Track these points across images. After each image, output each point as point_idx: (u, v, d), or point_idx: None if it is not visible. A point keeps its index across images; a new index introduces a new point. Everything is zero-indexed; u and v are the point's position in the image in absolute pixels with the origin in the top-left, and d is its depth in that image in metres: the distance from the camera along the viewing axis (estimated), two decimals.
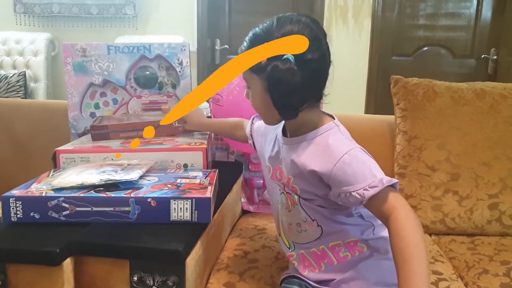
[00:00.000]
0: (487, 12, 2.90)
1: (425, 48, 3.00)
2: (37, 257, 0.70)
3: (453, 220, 1.15)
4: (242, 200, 1.31)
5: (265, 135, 0.85)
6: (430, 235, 1.18)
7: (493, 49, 2.91)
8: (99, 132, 1.12)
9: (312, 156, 0.69)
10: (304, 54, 0.65)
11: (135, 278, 0.71)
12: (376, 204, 0.65)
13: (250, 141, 0.93)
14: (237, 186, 1.25)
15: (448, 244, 1.12)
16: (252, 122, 0.93)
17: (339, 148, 0.68)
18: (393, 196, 0.64)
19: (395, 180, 0.66)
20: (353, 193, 0.64)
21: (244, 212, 1.30)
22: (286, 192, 0.76)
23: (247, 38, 0.73)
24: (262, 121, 0.84)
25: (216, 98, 1.16)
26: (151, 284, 0.71)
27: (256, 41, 0.69)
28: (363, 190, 0.64)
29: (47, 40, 2.94)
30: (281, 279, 0.83)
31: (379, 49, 2.91)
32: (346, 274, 0.73)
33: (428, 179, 1.16)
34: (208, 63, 3.16)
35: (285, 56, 0.65)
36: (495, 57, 2.90)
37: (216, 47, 3.17)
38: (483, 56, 2.93)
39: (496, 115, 1.17)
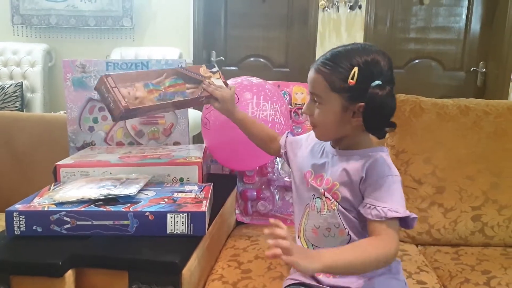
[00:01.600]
0: (476, 25, 2.98)
1: (417, 61, 3.07)
2: (40, 269, 0.73)
3: (438, 231, 1.20)
4: (236, 211, 1.35)
5: (307, 147, 0.90)
6: (417, 245, 1.22)
7: (481, 62, 2.99)
8: (131, 114, 0.96)
9: (363, 165, 0.76)
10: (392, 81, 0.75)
11: None
12: (382, 226, 0.72)
13: (282, 151, 0.98)
14: (231, 198, 1.29)
15: (434, 254, 1.16)
16: (287, 136, 0.98)
17: (389, 168, 0.76)
18: (396, 231, 0.73)
19: (414, 215, 0.74)
20: (378, 208, 0.72)
21: (238, 223, 1.34)
22: (325, 197, 0.80)
23: (326, 58, 0.78)
24: (299, 136, 0.95)
25: (204, 121, 1.20)
26: None
27: (338, 62, 0.75)
28: (388, 210, 0.72)
29: (44, 51, 2.98)
30: (285, 285, 0.85)
31: None
32: (359, 285, 0.78)
33: (415, 192, 1.21)
34: None
35: (376, 82, 0.72)
36: (484, 70, 2.98)
37: (212, 59, 3.22)
38: (472, 69, 3.01)
39: (479, 131, 1.23)
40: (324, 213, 0.81)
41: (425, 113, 1.25)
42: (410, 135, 1.24)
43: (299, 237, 0.87)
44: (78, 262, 0.76)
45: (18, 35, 3.10)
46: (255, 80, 1.26)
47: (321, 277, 0.81)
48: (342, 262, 0.66)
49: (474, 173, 1.20)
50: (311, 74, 0.79)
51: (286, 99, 1.41)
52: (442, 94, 3.05)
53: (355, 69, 0.73)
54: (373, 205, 0.73)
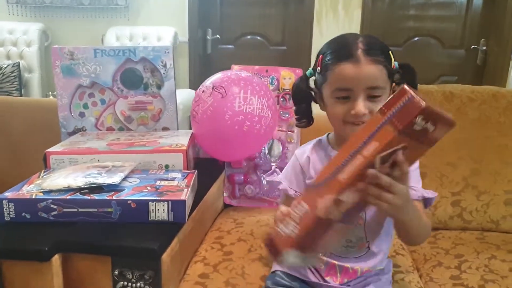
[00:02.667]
0: (478, 1, 2.90)
1: (416, 39, 3.03)
2: (28, 254, 0.78)
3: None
4: (224, 194, 1.39)
5: (313, 164, 0.85)
6: None
7: (482, 39, 2.93)
8: None
9: None
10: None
11: (116, 273, 0.80)
12: (420, 205, 0.79)
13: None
14: (219, 182, 1.33)
15: None
16: (289, 188, 0.87)
17: None
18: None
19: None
20: (414, 188, 0.78)
21: (226, 206, 1.39)
22: None
23: (371, 47, 0.75)
24: (291, 167, 0.88)
25: (192, 114, 1.23)
26: (131, 277, 0.80)
27: (385, 49, 0.76)
28: (423, 190, 0.79)
29: (39, 31, 2.98)
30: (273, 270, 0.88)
31: None
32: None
33: None
34: (199, 53, 3.20)
35: (396, 63, 0.77)
36: (484, 47, 2.93)
37: (208, 37, 3.21)
38: (472, 46, 2.96)
39: (463, 118, 1.24)
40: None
41: None
42: None
43: None
44: (64, 248, 0.81)
45: (13, 15, 3.10)
46: (244, 73, 1.27)
47: (328, 278, 0.82)
48: (415, 216, 0.70)
49: (455, 160, 1.23)
50: (370, 68, 0.73)
51: (274, 84, 1.42)
52: (441, 72, 3.03)
53: (390, 52, 0.76)
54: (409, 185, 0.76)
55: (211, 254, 1.03)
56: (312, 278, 0.84)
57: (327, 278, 0.83)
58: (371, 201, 0.60)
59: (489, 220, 1.20)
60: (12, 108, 1.55)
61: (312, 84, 0.86)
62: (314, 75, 0.83)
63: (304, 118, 0.87)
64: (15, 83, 2.78)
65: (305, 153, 0.87)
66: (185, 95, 2.54)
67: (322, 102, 0.82)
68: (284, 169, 0.90)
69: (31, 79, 2.93)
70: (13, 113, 1.53)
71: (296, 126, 0.92)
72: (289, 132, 1.41)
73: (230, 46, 3.23)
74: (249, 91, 1.19)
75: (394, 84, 0.79)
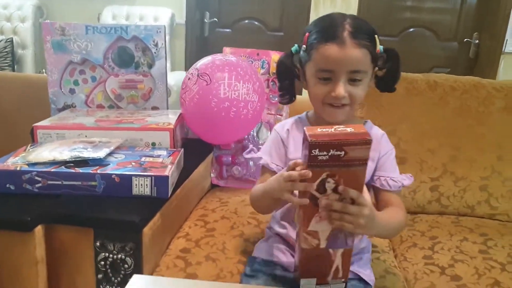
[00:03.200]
0: None
1: (411, 30, 3.04)
2: (11, 224, 0.81)
3: None
4: (212, 175, 1.42)
5: (294, 143, 0.86)
6: None
7: (475, 33, 2.96)
8: None
9: (378, 142, 0.82)
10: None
11: (98, 244, 0.83)
12: (396, 195, 0.82)
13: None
14: (206, 162, 1.36)
15: None
16: (265, 162, 0.88)
17: (389, 141, 0.84)
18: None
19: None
20: (394, 179, 0.80)
21: (213, 186, 1.41)
22: None
23: (356, 29, 0.74)
24: (271, 142, 0.89)
25: (181, 101, 1.24)
26: (112, 249, 0.83)
27: (371, 33, 0.77)
28: (402, 179, 0.81)
29: (34, 6, 2.95)
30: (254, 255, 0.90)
31: None
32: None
33: None
34: (196, 36, 3.19)
35: (381, 47, 0.78)
36: (477, 41, 2.96)
37: (205, 20, 3.19)
38: (465, 40, 2.98)
39: (444, 106, 1.27)
40: None
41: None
42: (378, 107, 1.29)
43: (294, 221, 0.85)
44: (48, 219, 0.83)
45: None
46: (230, 58, 1.27)
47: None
48: (384, 223, 0.73)
49: (435, 146, 1.26)
50: (354, 51, 0.73)
51: (264, 67, 1.44)
52: (434, 64, 3.05)
53: (376, 36, 0.77)
54: (388, 176, 0.80)
55: (194, 231, 1.06)
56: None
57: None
58: (338, 225, 0.65)
59: (465, 205, 1.24)
60: (2, 82, 1.56)
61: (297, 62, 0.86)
62: (299, 52, 0.83)
63: (287, 95, 0.88)
64: (7, 59, 2.77)
65: (284, 127, 0.88)
66: (180, 77, 2.52)
67: (305, 80, 0.83)
68: (263, 146, 0.91)
69: (24, 55, 2.92)
70: (3, 87, 1.54)
71: (279, 102, 0.92)
72: (277, 116, 1.43)
73: (227, 30, 3.22)
74: (234, 77, 1.20)
75: (376, 68, 0.81)
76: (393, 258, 1.04)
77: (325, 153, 0.60)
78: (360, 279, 0.84)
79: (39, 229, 0.82)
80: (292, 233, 0.85)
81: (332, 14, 0.81)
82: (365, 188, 0.66)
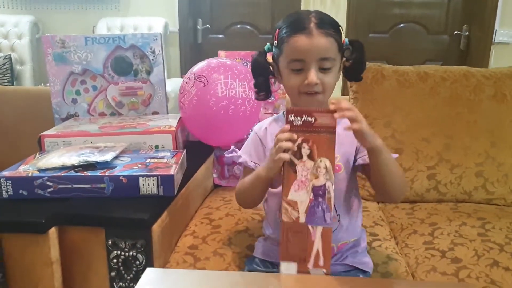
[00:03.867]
0: None
1: (401, 25, 3.08)
2: (27, 227, 0.84)
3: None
4: (214, 175, 1.45)
5: (269, 135, 0.90)
6: (378, 203, 1.34)
7: (465, 25, 3.01)
8: None
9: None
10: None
11: (110, 242, 0.86)
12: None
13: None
14: (208, 163, 1.39)
15: (391, 210, 1.28)
16: (244, 161, 0.91)
17: None
18: None
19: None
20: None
21: (216, 186, 1.45)
22: None
23: (321, 21, 0.80)
24: (252, 140, 0.92)
25: (180, 105, 1.28)
26: (123, 247, 0.86)
27: (335, 25, 0.82)
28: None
29: (30, 23, 2.99)
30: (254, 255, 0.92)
31: (356, 27, 3.00)
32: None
33: None
34: (190, 43, 3.23)
35: (346, 39, 0.84)
36: (467, 33, 3.00)
37: (198, 27, 3.24)
38: (455, 32, 3.03)
39: (436, 96, 1.31)
40: None
41: (386, 80, 1.33)
42: (371, 101, 1.33)
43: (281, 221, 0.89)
44: (60, 221, 0.87)
45: (3, 7, 3.11)
46: (224, 60, 1.32)
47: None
48: (389, 156, 0.77)
49: (429, 136, 1.30)
50: (321, 40, 0.78)
51: None
52: (426, 58, 3.10)
53: (341, 28, 0.82)
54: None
55: (200, 228, 1.10)
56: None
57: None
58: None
59: (462, 192, 1.28)
60: (3, 96, 1.60)
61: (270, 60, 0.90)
62: (272, 50, 0.87)
63: (263, 91, 0.92)
64: (7, 75, 2.81)
65: (262, 127, 0.92)
66: (177, 83, 2.56)
67: (279, 75, 0.87)
68: (243, 146, 0.94)
69: (22, 71, 2.96)
70: (5, 101, 1.57)
71: (256, 99, 0.95)
72: (275, 114, 1.47)
73: (220, 36, 3.27)
74: (230, 76, 1.24)
75: (344, 59, 0.85)
76: (394, 245, 1.07)
77: (298, 118, 0.73)
78: (358, 268, 0.87)
79: (53, 231, 0.85)
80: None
81: (298, 11, 0.88)
82: None
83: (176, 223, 1.04)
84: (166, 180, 0.94)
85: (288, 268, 0.73)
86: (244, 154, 0.91)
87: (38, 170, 0.94)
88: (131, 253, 0.86)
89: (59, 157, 0.98)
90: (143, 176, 0.93)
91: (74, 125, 1.27)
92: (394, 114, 1.32)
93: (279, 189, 0.86)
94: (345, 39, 0.83)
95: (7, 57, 2.84)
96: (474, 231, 1.07)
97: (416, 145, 1.30)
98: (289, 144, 0.73)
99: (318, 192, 0.73)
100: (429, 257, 0.99)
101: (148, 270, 0.72)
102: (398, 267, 0.96)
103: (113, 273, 0.87)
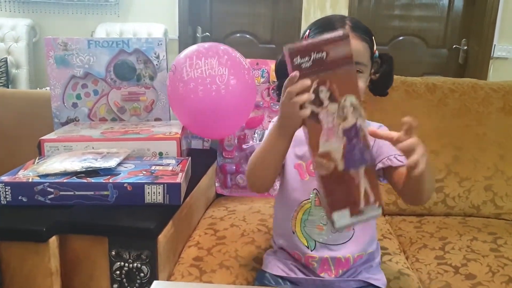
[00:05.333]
0: (459, 3, 3.02)
1: (400, 38, 3.11)
2: (26, 235, 0.80)
3: (404, 202, 1.28)
4: (216, 184, 1.42)
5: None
6: (384, 215, 1.31)
7: (464, 39, 3.04)
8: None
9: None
10: None
11: (113, 253, 0.82)
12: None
13: None
14: (211, 172, 1.36)
15: (399, 223, 1.25)
16: None
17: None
18: None
19: None
20: (398, 155, 0.75)
21: (218, 196, 1.41)
22: None
23: (357, 26, 0.77)
24: None
25: (170, 103, 1.24)
26: (128, 258, 0.82)
27: (369, 32, 0.79)
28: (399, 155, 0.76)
29: (28, 26, 2.96)
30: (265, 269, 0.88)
31: None
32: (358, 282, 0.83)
33: None
34: None
35: (377, 52, 0.81)
36: (466, 47, 3.03)
37: (198, 35, 3.23)
38: (454, 46, 3.06)
39: (444, 108, 1.30)
40: None
41: (394, 91, 1.31)
42: (379, 111, 1.30)
43: (294, 232, 0.83)
44: (62, 229, 0.82)
45: (1, 10, 3.07)
46: (194, 46, 1.21)
47: (322, 274, 0.81)
48: (428, 169, 0.68)
49: (438, 147, 1.28)
50: (356, 43, 0.74)
51: (264, 76, 1.46)
52: (424, 71, 3.12)
53: (373, 37, 0.79)
54: (391, 155, 0.76)
55: (205, 239, 1.06)
56: (303, 280, 0.83)
57: (321, 275, 0.82)
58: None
59: (471, 206, 1.26)
60: (1, 99, 1.55)
61: None
62: None
63: None
64: (2, 78, 2.76)
65: None
66: None
67: None
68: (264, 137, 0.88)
69: (18, 75, 2.92)
70: (3, 104, 1.53)
71: (277, 101, 0.93)
72: None
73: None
74: (195, 57, 1.14)
75: (372, 71, 0.82)
76: (404, 259, 1.04)
77: (307, 58, 0.59)
78: (372, 284, 0.84)
79: (53, 240, 0.81)
80: (292, 245, 0.84)
81: (330, 15, 0.84)
82: None
83: (180, 233, 1.00)
84: (172, 189, 0.90)
85: (340, 216, 0.64)
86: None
87: (39, 176, 0.89)
88: (135, 264, 0.82)
89: (60, 162, 0.94)
90: (148, 183, 0.89)
91: (75, 130, 1.23)
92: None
93: (289, 196, 0.83)
94: (376, 50, 0.80)
95: (2, 60, 2.80)
96: (486, 246, 1.05)
97: None
98: (304, 97, 0.61)
99: (351, 134, 0.63)
100: (442, 273, 0.97)
101: (156, 284, 0.69)
102: (410, 283, 0.93)
103: (115, 286, 0.83)
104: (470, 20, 3.01)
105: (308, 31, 0.82)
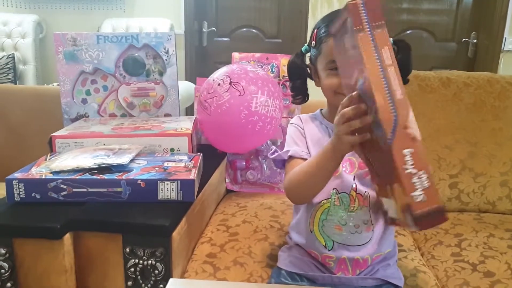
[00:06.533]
0: None
1: (408, 32, 3.07)
2: (41, 232, 0.79)
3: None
4: (226, 180, 1.41)
5: (311, 135, 0.84)
6: None
7: (473, 33, 2.99)
8: None
9: None
10: None
11: (128, 250, 0.81)
12: None
13: None
14: (221, 168, 1.35)
15: None
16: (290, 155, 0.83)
17: None
18: None
19: None
20: None
21: (228, 192, 1.40)
22: (356, 193, 0.78)
23: None
24: (293, 133, 0.86)
25: (204, 105, 1.22)
26: (142, 255, 0.81)
27: None
28: None
29: (34, 22, 2.95)
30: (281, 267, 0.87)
31: None
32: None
33: None
34: (195, 46, 3.20)
35: (391, 39, 0.75)
36: (475, 41, 2.99)
37: (204, 30, 3.21)
38: (463, 39, 3.01)
39: (459, 102, 1.28)
40: (354, 209, 0.79)
41: (407, 85, 1.27)
42: None
43: (311, 231, 0.82)
44: (76, 226, 0.82)
45: (7, 6, 3.07)
46: (260, 72, 1.27)
47: (339, 274, 0.80)
48: None
49: (452, 143, 1.26)
50: None
51: (274, 71, 1.44)
52: (433, 65, 3.08)
53: None
54: None
55: (217, 236, 1.05)
56: (320, 278, 0.82)
57: (338, 274, 0.81)
58: None
59: (486, 202, 1.24)
60: (10, 96, 1.55)
61: (307, 61, 0.86)
62: (309, 51, 0.83)
63: (300, 95, 0.88)
64: (9, 74, 2.76)
65: (300, 119, 0.87)
66: (182, 86, 2.53)
67: (317, 77, 0.83)
68: (286, 142, 0.88)
69: (25, 70, 2.91)
70: (12, 100, 1.53)
71: (292, 102, 0.92)
72: (289, 118, 1.43)
73: (225, 39, 3.24)
74: (266, 93, 1.20)
75: None
76: (420, 256, 1.03)
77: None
78: (389, 282, 0.83)
79: (67, 237, 0.80)
80: (310, 244, 0.83)
81: (338, 9, 0.81)
82: None
83: (193, 230, 0.99)
84: (186, 185, 0.89)
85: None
86: (291, 147, 0.83)
87: (52, 173, 0.89)
88: (150, 261, 0.81)
89: (73, 159, 0.94)
90: (162, 180, 0.88)
91: (85, 126, 1.22)
92: (416, 120, 1.27)
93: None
94: (390, 39, 0.78)
95: (10, 56, 2.80)
96: (504, 243, 1.03)
97: (439, 153, 1.26)
98: (355, 123, 0.60)
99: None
100: (459, 270, 0.95)
101: (172, 282, 0.68)
102: (427, 280, 0.92)
103: (130, 283, 0.82)
104: (480, 13, 2.96)
105: (315, 30, 0.81)
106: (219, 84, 1.21)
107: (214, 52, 3.23)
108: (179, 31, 3.08)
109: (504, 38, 2.86)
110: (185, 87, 2.53)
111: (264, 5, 3.14)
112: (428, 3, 3.02)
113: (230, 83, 1.19)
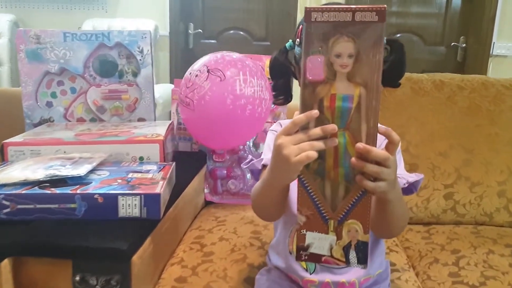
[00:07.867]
0: (457, 0, 2.94)
1: (398, 35, 3.03)
2: None
3: (410, 209, 1.17)
4: (206, 191, 1.30)
5: None
6: None
7: (462, 37, 2.98)
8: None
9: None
10: None
11: (77, 278, 0.70)
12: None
13: None
14: (199, 177, 1.24)
15: (405, 233, 1.14)
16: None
17: None
18: None
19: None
20: (399, 175, 0.65)
21: (207, 203, 1.30)
22: None
23: None
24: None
25: (185, 101, 1.12)
26: (95, 284, 0.70)
27: None
28: (408, 176, 0.70)
29: (10, 22, 2.82)
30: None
31: None
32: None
33: None
34: (181, 48, 3.10)
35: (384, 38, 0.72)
36: (464, 45, 2.97)
37: (190, 31, 3.11)
38: (452, 44, 3.00)
39: (453, 106, 1.19)
40: None
41: (398, 88, 1.20)
42: (383, 110, 1.20)
43: (290, 252, 0.76)
44: (16, 250, 0.70)
45: None
46: (235, 55, 1.18)
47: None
48: (398, 203, 0.61)
49: (446, 149, 1.17)
50: None
51: None
52: (422, 69, 3.03)
53: None
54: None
55: (190, 256, 0.94)
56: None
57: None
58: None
59: (483, 213, 1.15)
60: None
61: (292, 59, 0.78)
62: (294, 48, 0.75)
63: (282, 95, 0.80)
64: None
65: (280, 126, 0.80)
66: (166, 89, 2.44)
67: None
68: (263, 149, 0.81)
69: (0, 72, 2.78)
70: None
71: (274, 103, 0.84)
72: (274, 123, 1.33)
73: (212, 41, 3.15)
74: (248, 73, 1.10)
75: None
76: (415, 277, 0.93)
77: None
78: None
79: (5, 264, 0.68)
80: (293, 266, 0.74)
81: (327, 4, 0.73)
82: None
83: (161, 250, 0.88)
84: (150, 200, 0.78)
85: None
86: (266, 156, 0.75)
87: None
88: None
89: (22, 170, 0.82)
90: (123, 194, 0.77)
91: (47, 131, 1.10)
92: (408, 124, 1.19)
93: (289, 211, 0.72)
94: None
95: None
96: (505, 261, 0.94)
97: (432, 160, 1.17)
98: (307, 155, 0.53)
99: None
100: None
101: None
102: None
103: None
104: (469, 17, 2.94)
105: (301, 26, 0.73)
106: (196, 76, 1.10)
107: (200, 55, 3.07)
108: (164, 32, 2.97)
109: (492, 43, 2.83)
110: (169, 89, 2.40)
111: (252, 6, 3.07)
112: (417, 6, 3.00)
113: (208, 71, 1.09)
